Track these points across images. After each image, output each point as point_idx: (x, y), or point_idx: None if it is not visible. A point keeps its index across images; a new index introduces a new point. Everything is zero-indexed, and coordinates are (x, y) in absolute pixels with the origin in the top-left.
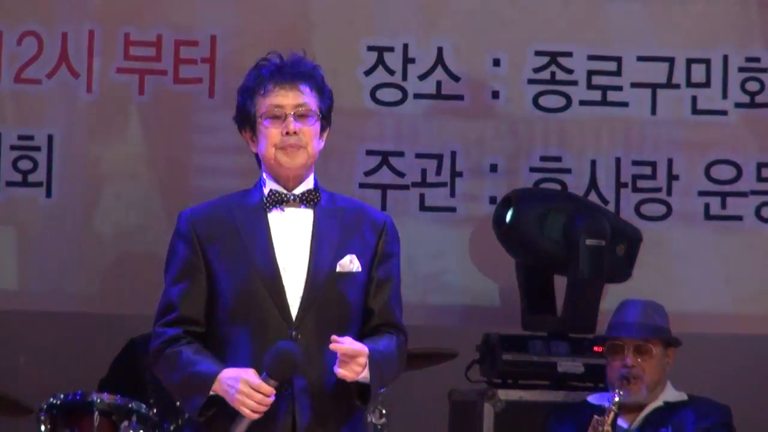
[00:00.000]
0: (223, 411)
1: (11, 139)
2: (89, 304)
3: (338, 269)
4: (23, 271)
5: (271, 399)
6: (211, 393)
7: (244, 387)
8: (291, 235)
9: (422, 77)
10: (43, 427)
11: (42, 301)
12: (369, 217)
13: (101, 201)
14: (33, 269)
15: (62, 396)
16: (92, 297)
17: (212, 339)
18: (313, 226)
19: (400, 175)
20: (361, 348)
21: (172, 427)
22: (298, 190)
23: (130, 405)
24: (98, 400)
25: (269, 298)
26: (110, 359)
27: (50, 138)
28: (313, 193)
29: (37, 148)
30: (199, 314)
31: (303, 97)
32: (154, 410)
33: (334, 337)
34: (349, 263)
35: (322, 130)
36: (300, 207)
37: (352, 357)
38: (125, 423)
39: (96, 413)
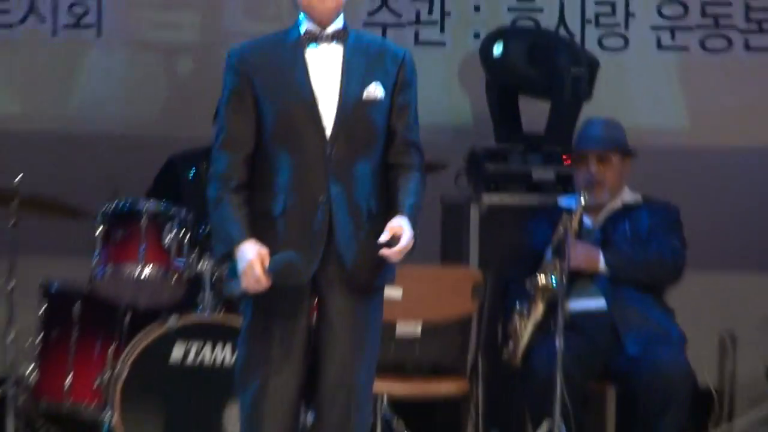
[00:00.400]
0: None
1: None
2: (138, 128)
3: (365, 96)
4: (82, 98)
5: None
6: None
7: (248, 271)
8: (324, 68)
9: None
10: (100, 228)
11: (96, 124)
12: (390, 51)
13: (147, 39)
14: (87, 97)
15: (116, 203)
16: (140, 121)
17: (260, 157)
18: (343, 59)
19: (398, 15)
20: (407, 243)
21: (207, 228)
22: (329, 29)
23: (171, 210)
24: (145, 206)
25: (307, 120)
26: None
27: None
28: (343, 31)
29: None
30: (247, 135)
31: None
32: (191, 215)
33: (383, 248)
34: (374, 90)
35: None
36: (332, 44)
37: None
38: (168, 225)
39: (144, 217)
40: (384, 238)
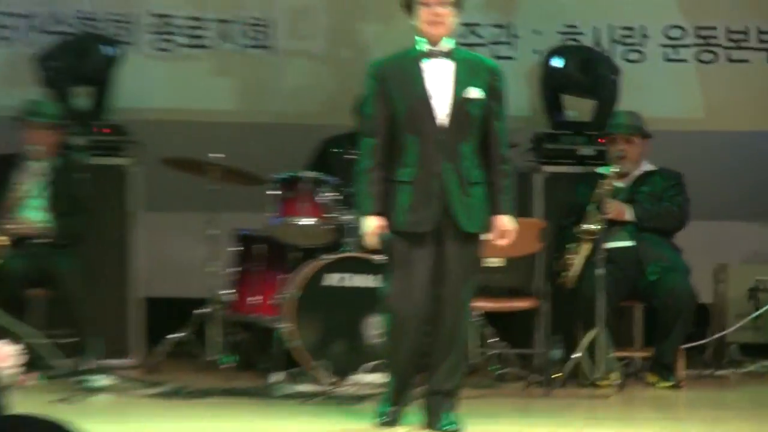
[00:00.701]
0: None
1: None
2: (300, 118)
3: (467, 96)
4: (265, 98)
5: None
6: None
7: (365, 237)
8: (438, 76)
9: None
10: (276, 192)
11: (273, 116)
12: (486, 64)
13: (310, 53)
14: (269, 97)
15: (284, 173)
16: (302, 113)
17: (393, 141)
18: (453, 70)
19: (481, 37)
20: (512, 235)
21: (351, 191)
22: (440, 48)
23: (324, 178)
24: (306, 175)
25: (425, 114)
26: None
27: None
28: (450, 49)
29: (268, 26)
30: (383, 125)
31: None
32: (339, 181)
33: (497, 241)
34: (474, 92)
35: (457, 9)
36: (442, 59)
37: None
38: (322, 188)
39: (305, 183)
40: (495, 237)
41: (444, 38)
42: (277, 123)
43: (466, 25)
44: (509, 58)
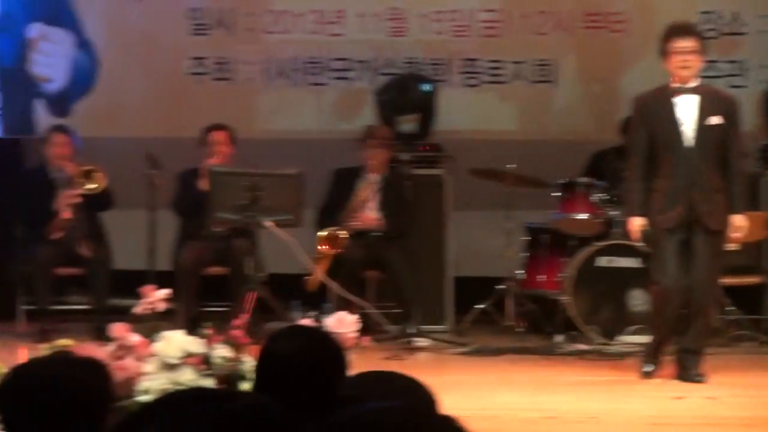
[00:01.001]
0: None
1: None
2: (570, 135)
3: (710, 122)
4: (540, 120)
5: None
6: None
7: (630, 234)
8: (686, 108)
9: None
10: (557, 193)
11: (557, 135)
12: (725, 95)
13: (564, 84)
14: (545, 119)
15: (564, 179)
16: (571, 131)
17: (652, 157)
18: (698, 103)
19: (719, 70)
20: (744, 230)
21: (617, 192)
22: (688, 85)
23: (595, 182)
24: (580, 180)
25: (676, 138)
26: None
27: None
28: (699, 86)
29: (551, 65)
30: (646, 145)
31: (693, 43)
32: (608, 184)
33: (733, 235)
34: (716, 120)
35: (702, 55)
36: (690, 94)
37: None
38: (593, 189)
39: (580, 186)
40: (732, 231)
41: (691, 78)
42: (554, 139)
43: (707, 62)
44: (741, 86)
